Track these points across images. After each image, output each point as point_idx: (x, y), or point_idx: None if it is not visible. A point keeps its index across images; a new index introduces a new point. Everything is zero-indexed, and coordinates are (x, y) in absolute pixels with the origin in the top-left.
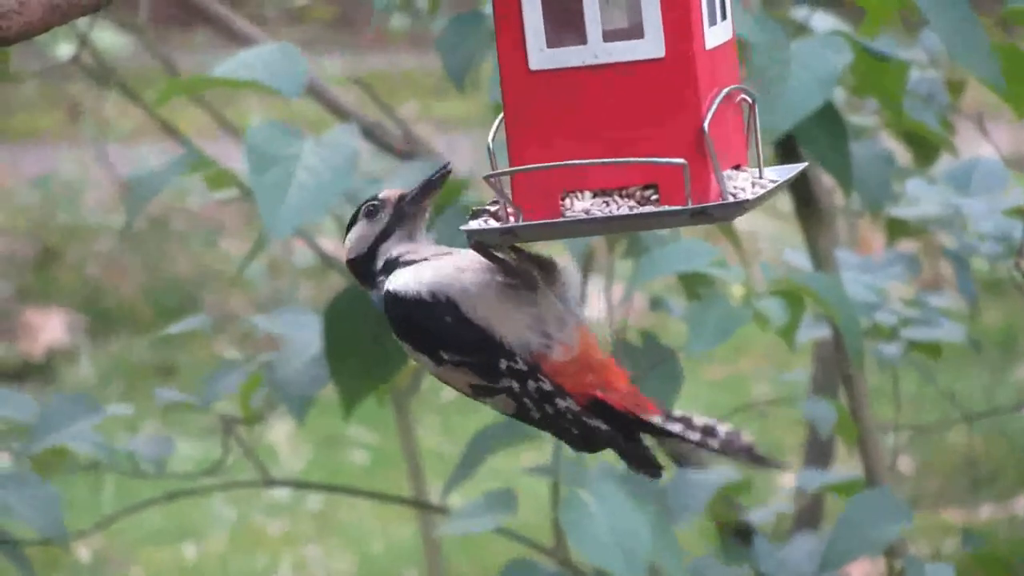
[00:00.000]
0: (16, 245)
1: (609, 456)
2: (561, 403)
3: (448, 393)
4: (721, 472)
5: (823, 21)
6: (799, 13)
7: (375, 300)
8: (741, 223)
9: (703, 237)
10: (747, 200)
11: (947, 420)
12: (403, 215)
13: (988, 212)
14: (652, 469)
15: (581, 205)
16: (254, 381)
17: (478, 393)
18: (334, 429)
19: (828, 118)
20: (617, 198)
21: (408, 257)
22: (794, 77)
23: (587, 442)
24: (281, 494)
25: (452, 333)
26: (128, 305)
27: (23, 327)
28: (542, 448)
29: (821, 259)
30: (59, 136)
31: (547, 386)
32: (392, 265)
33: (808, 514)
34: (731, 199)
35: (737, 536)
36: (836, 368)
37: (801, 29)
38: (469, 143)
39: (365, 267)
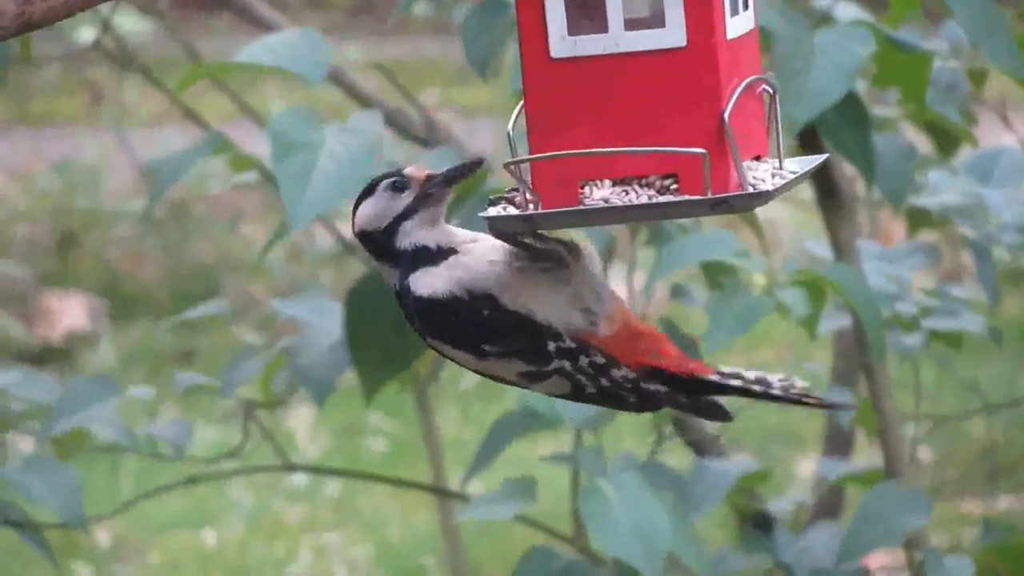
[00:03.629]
0: (36, 230)
1: (629, 445)
2: (616, 373)
3: (468, 381)
4: (740, 462)
5: (846, 10)
6: (822, 2)
7: (392, 278)
8: (762, 213)
9: (725, 227)
10: (767, 191)
11: (967, 411)
12: (427, 197)
13: (1010, 202)
14: (721, 415)
15: (600, 193)
16: (274, 366)
17: (528, 380)
18: (353, 416)
19: (851, 108)
20: (636, 187)
21: (437, 245)
22: (817, 67)
23: (645, 405)
24: (300, 480)
25: (493, 325)
26: (148, 290)
27: (43, 311)
28: (561, 436)
29: (842, 249)
30: (80, 121)
31: (599, 359)
32: (422, 254)
33: (828, 504)
34: (751, 189)
35: (756, 526)
36: (857, 358)
37: (824, 18)
38: (490, 130)
39: (382, 242)
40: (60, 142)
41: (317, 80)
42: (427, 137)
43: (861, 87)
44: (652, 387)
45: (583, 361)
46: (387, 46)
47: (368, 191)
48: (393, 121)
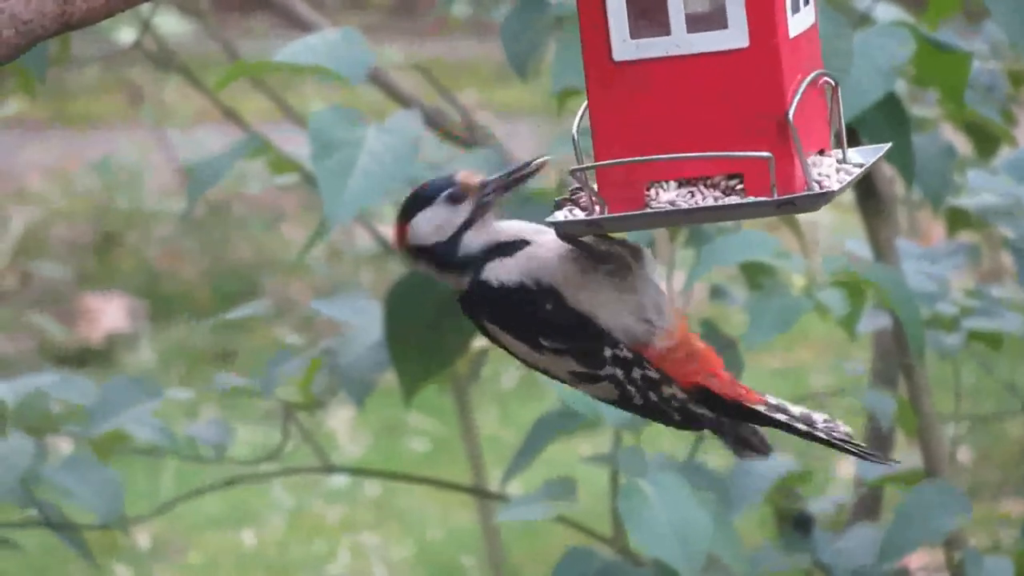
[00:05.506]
0: (76, 230)
1: (668, 446)
2: (667, 390)
3: (508, 381)
4: (781, 462)
5: (886, 11)
6: (862, 3)
7: (463, 283)
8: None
9: (764, 227)
10: (832, 190)
11: (1006, 411)
12: (485, 206)
13: None
14: (756, 451)
15: (666, 196)
16: (315, 367)
17: (579, 380)
18: (393, 417)
19: (890, 108)
20: (702, 188)
21: (510, 238)
22: (857, 67)
23: (687, 424)
24: (340, 481)
25: (553, 320)
26: (188, 290)
27: (83, 312)
28: (601, 436)
29: (882, 249)
30: (119, 121)
31: (653, 374)
32: (494, 249)
33: (867, 505)
34: (816, 188)
35: (796, 526)
36: (896, 358)
37: (864, 19)
38: (529, 130)
39: (442, 253)
40: (100, 142)
41: (357, 80)
42: (468, 137)
43: (901, 87)
44: (699, 411)
45: (636, 373)
46: (425, 46)
47: (421, 202)
48: (432, 121)
